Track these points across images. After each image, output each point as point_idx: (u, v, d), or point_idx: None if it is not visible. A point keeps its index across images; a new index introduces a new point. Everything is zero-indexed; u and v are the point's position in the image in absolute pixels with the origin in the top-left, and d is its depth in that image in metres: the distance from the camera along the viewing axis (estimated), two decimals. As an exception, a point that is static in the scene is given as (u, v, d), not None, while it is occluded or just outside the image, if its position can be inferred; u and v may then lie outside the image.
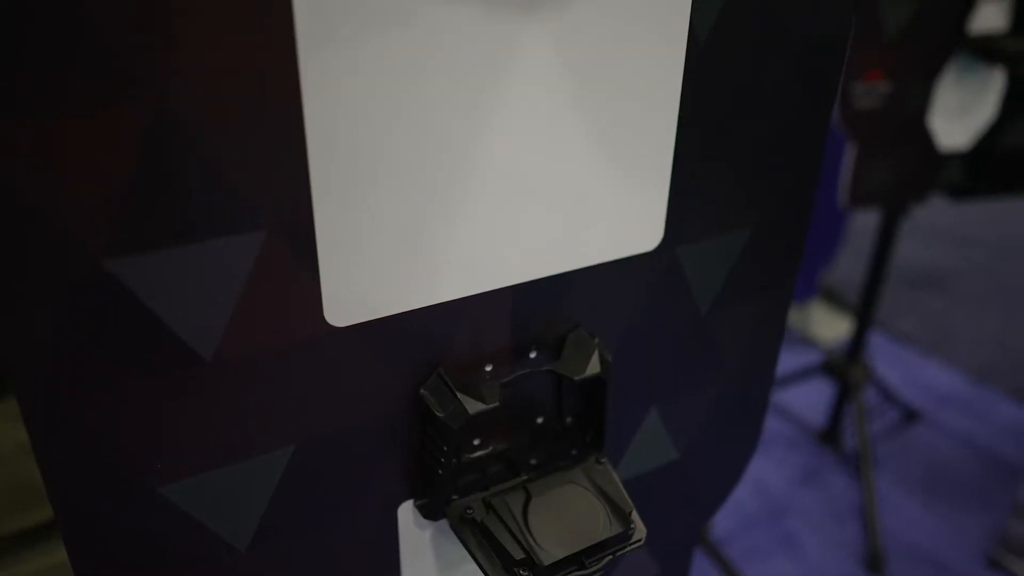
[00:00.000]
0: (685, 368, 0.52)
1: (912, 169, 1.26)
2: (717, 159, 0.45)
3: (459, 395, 0.40)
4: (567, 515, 0.42)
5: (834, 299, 2.20)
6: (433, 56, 0.34)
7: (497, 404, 0.40)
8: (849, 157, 1.21)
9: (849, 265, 2.26)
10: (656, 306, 0.48)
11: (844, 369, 1.54)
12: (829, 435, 1.66)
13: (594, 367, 0.43)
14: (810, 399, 1.79)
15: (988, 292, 2.34)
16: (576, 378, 0.43)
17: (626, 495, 0.43)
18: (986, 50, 1.13)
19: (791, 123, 0.47)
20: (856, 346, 1.53)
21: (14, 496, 0.83)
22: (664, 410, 0.53)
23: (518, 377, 0.43)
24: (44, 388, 0.31)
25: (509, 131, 0.37)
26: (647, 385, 0.51)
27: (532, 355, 0.44)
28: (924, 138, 1.21)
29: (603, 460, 0.46)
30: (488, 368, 0.43)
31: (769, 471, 1.61)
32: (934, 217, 2.61)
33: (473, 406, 0.40)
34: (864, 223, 2.20)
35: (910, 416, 1.75)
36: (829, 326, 2.12)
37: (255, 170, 0.32)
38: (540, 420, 0.46)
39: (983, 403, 1.83)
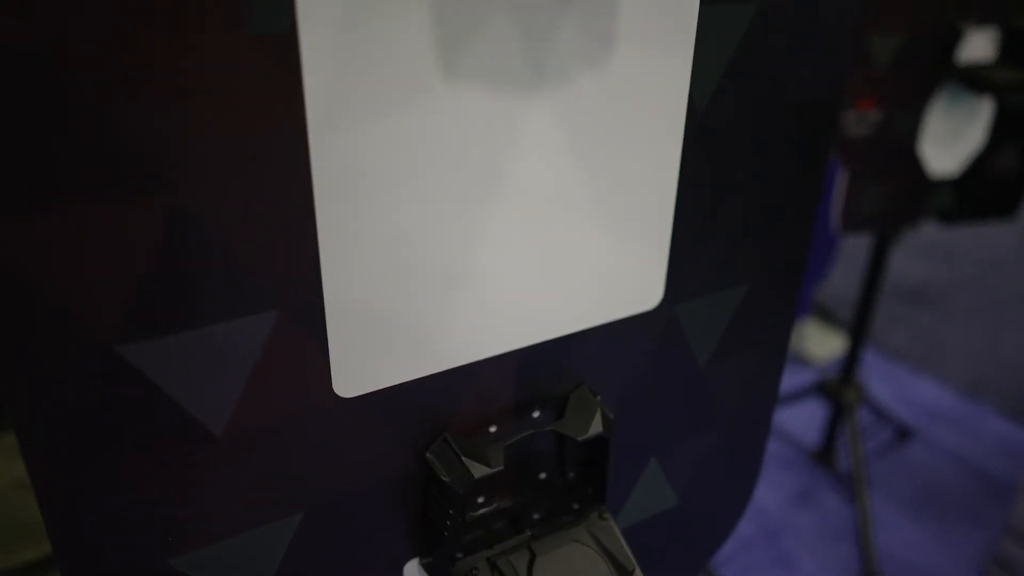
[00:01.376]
0: (684, 419, 0.53)
1: (903, 195, 1.27)
2: (715, 220, 0.46)
3: (464, 460, 0.40)
4: (571, 575, 0.42)
5: (827, 316, 2.22)
6: (439, 136, 0.35)
7: (502, 468, 0.41)
8: (841, 183, 1.23)
9: (842, 281, 2.28)
10: (656, 361, 0.49)
11: (837, 390, 1.55)
12: (823, 455, 1.67)
13: (596, 427, 0.44)
14: (804, 419, 1.80)
15: (977, 306, 2.37)
16: (579, 439, 0.43)
17: (629, 553, 0.44)
18: (974, 80, 1.14)
19: (788, 181, 0.48)
20: (849, 367, 1.54)
21: (11, 533, 0.83)
22: (664, 459, 0.53)
23: (522, 438, 0.44)
24: (55, 464, 0.32)
25: (513, 202, 0.38)
26: (647, 436, 0.52)
27: (535, 414, 0.45)
28: (914, 165, 1.23)
29: (606, 515, 0.46)
30: (492, 429, 0.44)
31: (764, 492, 1.62)
32: (922, 231, 2.63)
33: (478, 470, 0.40)
34: (856, 239, 2.22)
35: (903, 434, 1.77)
36: (822, 344, 2.13)
37: (266, 254, 0.32)
38: (543, 476, 0.47)
39: (974, 418, 1.85)
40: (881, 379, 1.98)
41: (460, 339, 0.40)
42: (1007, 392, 1.95)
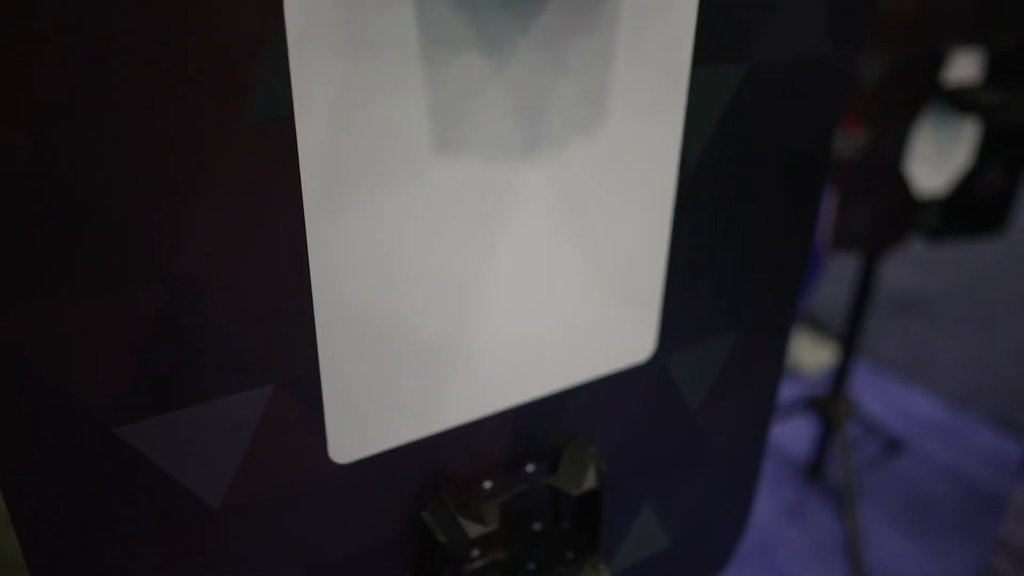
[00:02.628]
0: (676, 463, 0.53)
1: (891, 213, 1.28)
2: (706, 272, 0.47)
3: (460, 519, 0.40)
4: None
5: (818, 325, 2.23)
6: (433, 207, 0.35)
7: (497, 526, 0.41)
8: (831, 203, 1.24)
9: (832, 290, 2.30)
10: (649, 410, 0.49)
11: (827, 405, 1.57)
12: (814, 469, 1.68)
13: (590, 481, 0.44)
14: (794, 433, 1.81)
15: (965, 315, 2.39)
16: (573, 493, 0.44)
17: None
18: (961, 102, 1.16)
19: (777, 232, 0.49)
20: (839, 382, 1.56)
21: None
22: (657, 504, 0.54)
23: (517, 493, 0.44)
24: (47, 540, 0.32)
25: (506, 264, 0.38)
26: (641, 483, 0.52)
27: (529, 468, 0.45)
28: (902, 184, 1.24)
29: (600, 566, 0.47)
30: (487, 484, 0.44)
31: (756, 507, 1.63)
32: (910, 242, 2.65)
33: (474, 529, 0.40)
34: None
35: (893, 446, 1.78)
36: (812, 353, 2.14)
37: (263, 330, 0.33)
38: (537, 527, 0.47)
39: (964, 430, 1.86)
40: (871, 389, 1.99)
41: (455, 400, 0.40)
42: (997, 402, 1.97)
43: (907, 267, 2.63)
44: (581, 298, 0.42)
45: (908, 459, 1.77)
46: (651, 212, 0.42)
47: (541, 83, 0.35)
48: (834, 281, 2.30)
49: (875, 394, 1.97)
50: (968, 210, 1.33)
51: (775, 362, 0.55)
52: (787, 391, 1.85)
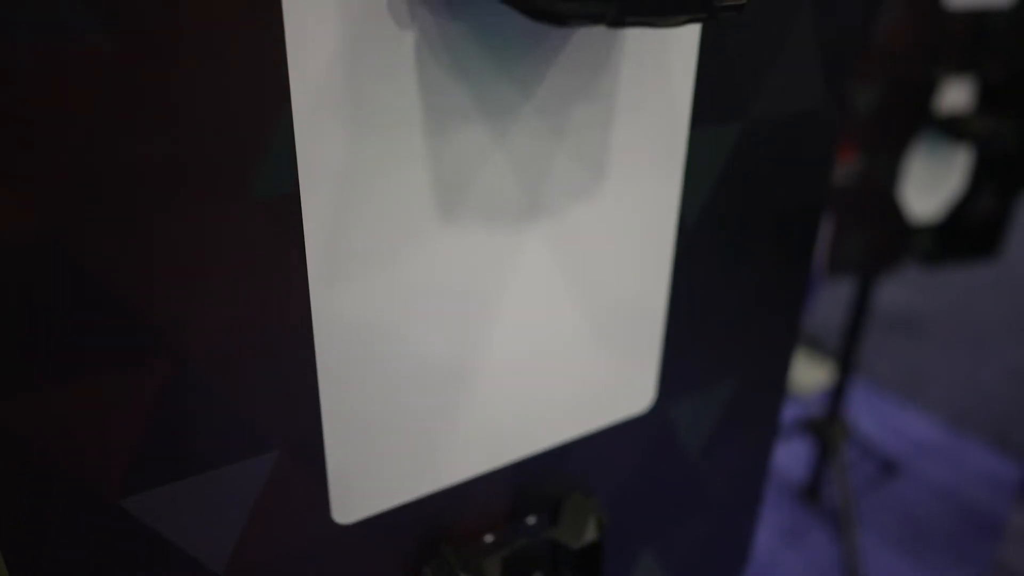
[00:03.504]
0: (676, 510, 0.53)
1: (886, 239, 1.29)
2: (705, 323, 0.47)
3: (461, 575, 0.41)
4: None
5: (814, 345, 2.24)
6: (435, 275, 0.35)
7: None
8: (826, 229, 1.25)
9: (827, 309, 2.30)
10: (648, 459, 0.49)
11: (824, 428, 1.57)
12: (811, 491, 1.68)
13: (591, 534, 0.44)
14: (790, 456, 1.81)
15: (959, 334, 2.40)
16: (574, 546, 0.44)
17: None
18: (954, 130, 1.17)
19: (773, 280, 0.49)
20: (834, 405, 1.56)
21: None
22: (657, 549, 0.54)
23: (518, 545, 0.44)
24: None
25: (508, 324, 0.39)
26: (640, 530, 0.52)
27: (530, 521, 0.45)
28: (896, 210, 1.25)
29: None
30: (488, 538, 0.44)
31: (753, 528, 1.63)
32: (906, 259, 2.66)
33: None
34: (839, 271, 2.24)
35: (889, 467, 1.78)
36: (808, 373, 2.15)
37: (268, 401, 0.33)
38: None
39: (960, 450, 1.86)
40: (866, 408, 1.99)
41: (457, 458, 0.40)
42: (991, 422, 1.97)
43: (901, 287, 2.65)
44: (582, 353, 0.42)
45: (904, 481, 1.77)
46: (650, 267, 0.43)
47: (542, 148, 0.36)
48: (830, 299, 2.31)
49: (871, 414, 1.98)
50: (962, 235, 1.34)
51: (773, 407, 0.55)
52: (783, 412, 1.86)
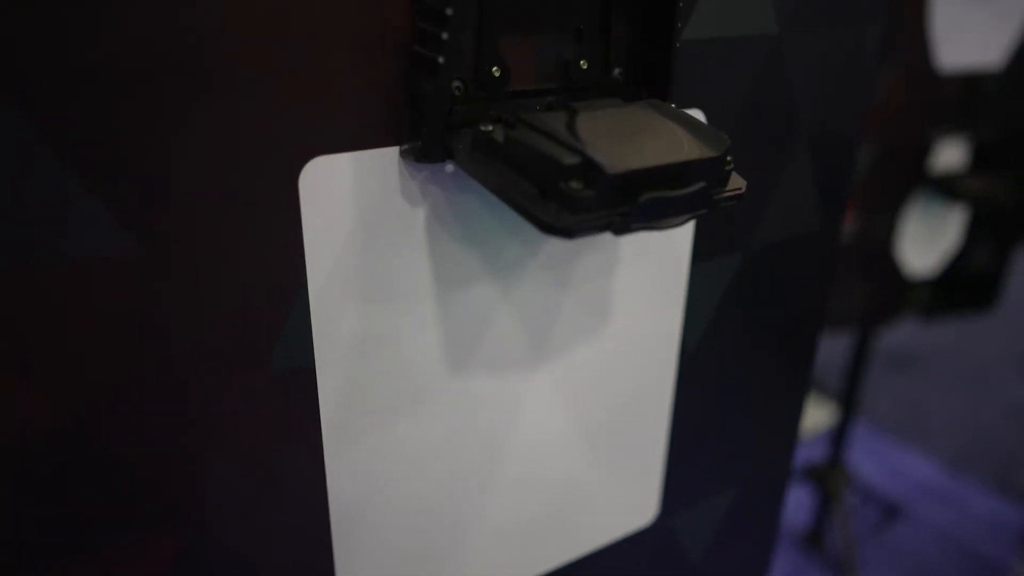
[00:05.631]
0: (680, 611, 0.54)
1: (883, 294, 1.31)
2: (706, 439, 0.48)
3: None
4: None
5: (814, 385, 2.24)
6: (446, 425, 0.36)
7: None
8: (823, 285, 1.26)
9: (828, 348, 2.31)
10: (652, 567, 0.50)
11: (825, 476, 1.57)
12: (813, 538, 1.68)
13: None
14: (793, 501, 1.81)
15: (958, 372, 2.40)
16: None
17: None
18: (949, 190, 1.19)
19: (773, 394, 0.50)
20: (835, 451, 1.56)
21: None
22: (661, 650, 0.55)
23: None
24: None
25: (516, 458, 0.40)
26: (645, 633, 0.53)
27: None
28: (893, 266, 1.27)
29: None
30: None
31: (756, 576, 1.62)
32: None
33: None
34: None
35: (891, 512, 1.78)
36: (809, 415, 2.15)
37: (283, 557, 0.34)
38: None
39: (961, 493, 1.86)
40: (867, 450, 2.00)
41: (465, 587, 0.41)
42: (992, 463, 1.98)
43: (900, 325, 2.66)
44: (588, 477, 0.43)
45: (907, 525, 1.77)
46: (653, 394, 0.44)
47: (548, 299, 0.37)
48: (831, 340, 2.32)
49: (871, 455, 1.98)
50: (959, 288, 1.36)
51: (773, 510, 0.56)
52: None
